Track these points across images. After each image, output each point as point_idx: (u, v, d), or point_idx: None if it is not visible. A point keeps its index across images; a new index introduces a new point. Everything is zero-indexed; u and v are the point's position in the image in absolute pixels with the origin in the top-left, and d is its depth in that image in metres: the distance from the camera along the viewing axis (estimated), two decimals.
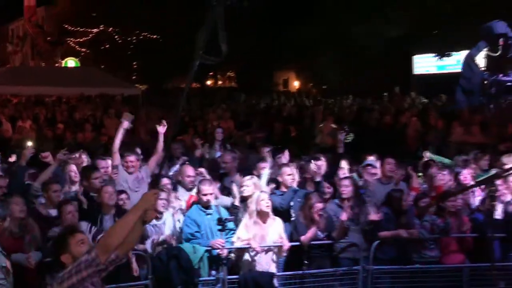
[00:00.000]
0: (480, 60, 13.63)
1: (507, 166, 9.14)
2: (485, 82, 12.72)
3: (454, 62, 28.69)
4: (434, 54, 29.41)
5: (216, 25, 4.38)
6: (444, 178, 9.53)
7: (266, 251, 8.22)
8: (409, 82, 30.89)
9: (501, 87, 12.45)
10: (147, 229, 7.88)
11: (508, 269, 8.67)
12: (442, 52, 28.39)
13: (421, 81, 31.09)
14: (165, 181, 8.99)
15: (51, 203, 8.35)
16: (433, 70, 30.91)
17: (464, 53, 27.01)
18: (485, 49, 13.36)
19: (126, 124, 9.72)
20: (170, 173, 10.09)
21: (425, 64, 31.71)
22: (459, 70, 27.49)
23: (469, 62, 13.64)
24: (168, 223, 8.30)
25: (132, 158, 9.54)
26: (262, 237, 8.19)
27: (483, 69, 13.22)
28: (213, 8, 4.36)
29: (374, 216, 8.53)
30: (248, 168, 10.16)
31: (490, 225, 8.29)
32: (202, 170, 9.79)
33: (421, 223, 8.55)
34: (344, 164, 10.21)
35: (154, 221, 7.98)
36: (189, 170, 9.38)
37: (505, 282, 8.53)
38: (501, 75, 12.74)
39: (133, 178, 9.32)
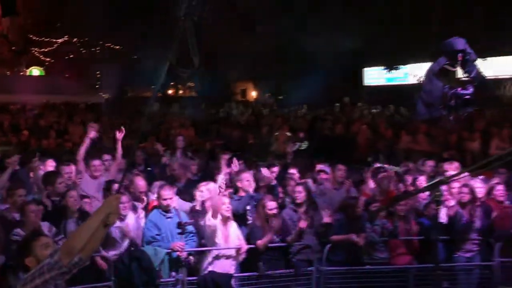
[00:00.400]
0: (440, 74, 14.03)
1: (449, 173, 9.32)
2: (445, 95, 13.05)
3: (401, 74, 29.20)
4: (383, 67, 29.86)
5: (187, 38, 4.38)
6: (393, 184, 9.68)
7: (228, 254, 8.22)
8: (360, 93, 31.27)
9: (460, 100, 12.79)
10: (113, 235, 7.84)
11: (451, 270, 8.84)
12: (391, 65, 28.85)
13: (371, 92, 31.51)
14: (115, 187, 8.86)
15: (16, 208, 8.17)
16: (382, 82, 31.37)
17: (410, 67, 27.65)
18: (445, 64, 13.72)
19: (92, 133, 9.72)
20: None
21: (375, 76, 32.16)
22: (406, 82, 28.07)
23: (430, 76, 13.97)
24: (132, 225, 8.22)
25: (96, 162, 9.49)
26: (226, 239, 8.19)
27: (443, 82, 13.58)
28: (181, 21, 4.35)
29: (327, 219, 8.62)
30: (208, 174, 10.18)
31: (435, 228, 8.43)
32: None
33: (372, 227, 8.63)
34: (293, 171, 10.32)
35: (118, 223, 7.92)
36: (141, 184, 9.19)
37: (448, 282, 8.69)
38: (459, 89, 13.10)
39: (97, 184, 9.21)
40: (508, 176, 10.14)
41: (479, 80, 13.48)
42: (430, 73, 14.28)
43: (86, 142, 9.68)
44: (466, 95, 12.92)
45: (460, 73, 13.88)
